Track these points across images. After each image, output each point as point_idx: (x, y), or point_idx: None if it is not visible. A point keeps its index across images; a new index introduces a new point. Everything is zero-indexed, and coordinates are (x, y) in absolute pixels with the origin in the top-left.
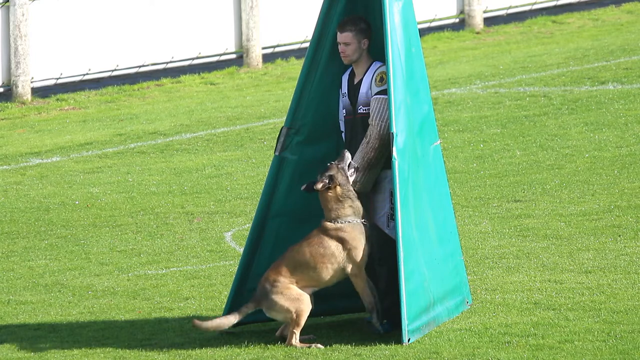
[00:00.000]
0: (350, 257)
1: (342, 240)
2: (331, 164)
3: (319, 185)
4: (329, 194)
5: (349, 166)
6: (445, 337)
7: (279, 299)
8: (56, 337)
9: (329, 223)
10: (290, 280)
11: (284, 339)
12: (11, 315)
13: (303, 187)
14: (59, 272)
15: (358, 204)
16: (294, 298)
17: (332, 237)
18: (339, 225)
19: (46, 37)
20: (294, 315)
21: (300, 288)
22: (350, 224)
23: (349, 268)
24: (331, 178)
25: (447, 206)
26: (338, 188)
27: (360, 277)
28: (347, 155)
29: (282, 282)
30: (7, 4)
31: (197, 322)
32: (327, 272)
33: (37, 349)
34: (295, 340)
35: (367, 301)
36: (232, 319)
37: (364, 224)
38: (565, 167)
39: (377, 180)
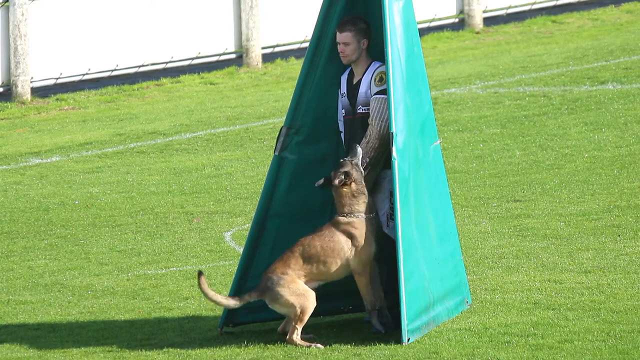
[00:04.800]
0: (356, 254)
1: (351, 236)
2: (344, 160)
3: (337, 181)
4: (344, 189)
5: (361, 161)
6: (445, 337)
7: (285, 293)
8: (56, 337)
9: (341, 217)
10: (297, 274)
11: (285, 335)
12: (11, 315)
13: (319, 182)
14: (58, 272)
15: (371, 200)
16: (300, 293)
17: (342, 231)
18: (350, 219)
19: (46, 37)
20: (298, 311)
21: (307, 282)
22: (360, 219)
23: (354, 265)
24: (347, 174)
25: (447, 206)
26: (353, 184)
27: (363, 276)
28: (359, 150)
29: (289, 276)
30: (7, 4)
31: (203, 282)
32: (336, 266)
33: (37, 349)
34: (297, 336)
35: (367, 301)
36: (232, 303)
37: (374, 219)
38: (564, 167)
39: (377, 180)
